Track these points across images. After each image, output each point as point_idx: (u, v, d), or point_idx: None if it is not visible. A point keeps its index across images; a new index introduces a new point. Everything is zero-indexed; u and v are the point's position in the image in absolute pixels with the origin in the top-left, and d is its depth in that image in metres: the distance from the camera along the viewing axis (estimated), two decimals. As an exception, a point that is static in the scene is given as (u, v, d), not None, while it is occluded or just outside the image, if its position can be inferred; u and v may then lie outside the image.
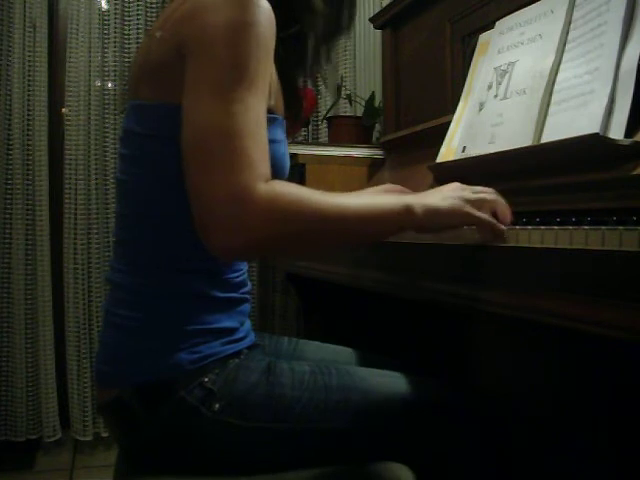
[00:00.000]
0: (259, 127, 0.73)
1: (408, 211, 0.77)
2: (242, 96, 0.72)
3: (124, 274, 0.88)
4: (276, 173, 0.80)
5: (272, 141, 0.79)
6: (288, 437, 0.84)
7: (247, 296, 0.95)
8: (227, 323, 0.88)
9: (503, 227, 0.77)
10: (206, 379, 0.83)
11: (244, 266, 0.96)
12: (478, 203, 0.80)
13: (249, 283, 0.97)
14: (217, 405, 0.82)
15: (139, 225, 0.87)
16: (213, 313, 0.87)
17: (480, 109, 1.16)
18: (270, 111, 0.83)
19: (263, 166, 0.71)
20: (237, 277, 0.92)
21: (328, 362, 0.99)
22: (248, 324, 0.95)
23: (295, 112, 0.97)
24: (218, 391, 0.82)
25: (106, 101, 2.25)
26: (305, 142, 2.03)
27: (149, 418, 0.82)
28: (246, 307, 0.95)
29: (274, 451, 0.85)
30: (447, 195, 0.80)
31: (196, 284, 0.86)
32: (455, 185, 0.84)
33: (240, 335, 0.91)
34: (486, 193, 0.82)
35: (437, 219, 0.79)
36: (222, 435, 0.83)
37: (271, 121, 0.83)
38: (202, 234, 0.71)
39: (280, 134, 0.89)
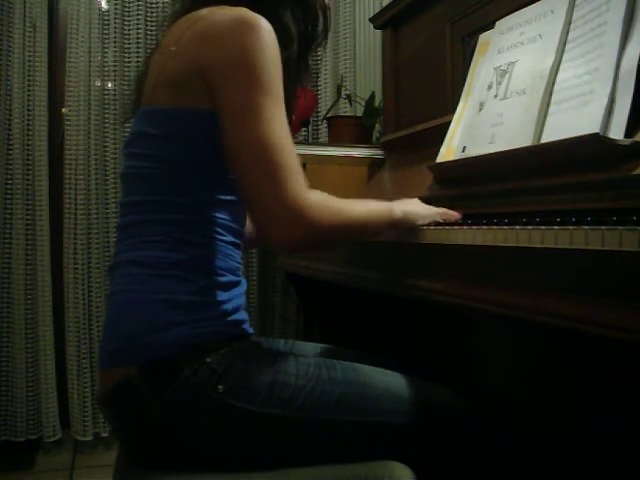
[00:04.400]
0: (291, 138, 0.87)
1: (391, 213, 0.98)
2: (274, 112, 0.85)
3: (134, 252, 0.91)
4: None
5: None
6: (290, 426, 0.85)
7: (243, 281, 0.98)
8: (228, 302, 0.91)
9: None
10: (209, 359, 0.85)
11: (239, 253, 0.99)
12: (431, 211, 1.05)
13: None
14: (221, 386, 0.83)
15: (153, 210, 0.91)
16: (216, 290, 0.90)
17: (480, 109, 1.16)
18: None
19: (302, 175, 0.86)
20: (237, 261, 0.96)
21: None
22: (246, 314, 0.97)
23: (289, 119, 1.06)
24: (223, 372, 0.84)
25: (106, 101, 2.26)
26: (305, 142, 2.04)
27: (155, 400, 0.83)
28: (243, 295, 0.97)
29: (274, 439, 0.86)
30: (414, 202, 1.06)
31: (202, 260, 0.90)
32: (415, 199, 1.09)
33: (240, 318, 0.94)
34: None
35: (409, 220, 1.01)
36: (225, 419, 0.84)
37: None
38: (266, 232, 0.86)
39: None
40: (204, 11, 0.91)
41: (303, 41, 1.03)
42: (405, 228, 1.01)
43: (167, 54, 0.92)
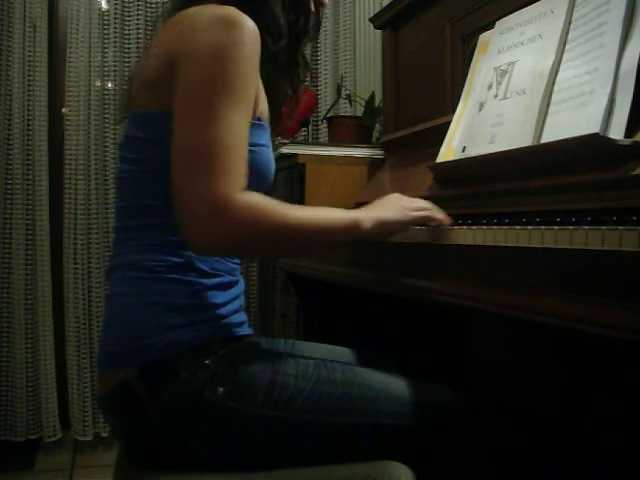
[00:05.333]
0: (240, 141, 0.81)
1: (356, 224, 0.89)
2: (225, 112, 0.80)
3: (129, 255, 0.90)
4: (261, 176, 0.92)
5: (259, 145, 0.90)
6: (289, 427, 0.85)
7: (241, 281, 0.98)
8: (226, 303, 0.91)
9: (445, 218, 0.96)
10: (208, 361, 0.85)
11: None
12: (416, 207, 0.97)
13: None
14: (221, 389, 0.83)
15: (146, 214, 0.91)
16: (213, 292, 0.90)
17: (480, 109, 1.16)
18: (258, 118, 0.91)
19: (240, 176, 0.80)
20: (235, 261, 0.96)
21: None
22: (245, 315, 0.97)
23: (276, 118, 1.05)
24: (222, 374, 0.84)
25: (106, 101, 2.26)
26: (305, 142, 2.03)
27: (153, 402, 0.83)
28: (241, 295, 0.97)
29: (274, 440, 0.86)
30: (389, 206, 0.96)
31: (197, 262, 0.89)
32: (394, 195, 0.99)
33: (238, 319, 0.93)
34: (422, 201, 0.99)
35: (384, 228, 0.93)
36: (224, 421, 0.84)
37: (258, 127, 0.91)
38: (183, 230, 0.80)
39: (266, 139, 0.95)
40: (191, 10, 0.90)
41: (294, 34, 1.00)
42: (381, 237, 0.95)
43: (150, 55, 0.91)
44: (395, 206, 0.96)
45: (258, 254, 0.96)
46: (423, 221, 0.96)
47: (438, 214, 0.97)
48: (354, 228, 0.89)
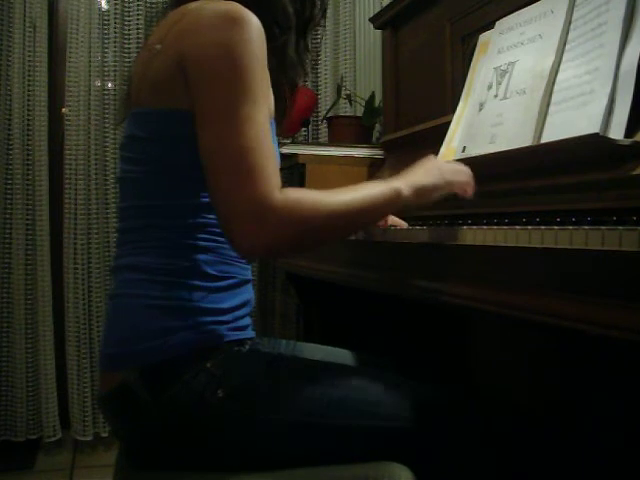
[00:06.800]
0: (267, 140, 0.81)
1: (398, 194, 0.88)
2: (249, 113, 0.79)
3: (133, 257, 0.90)
4: None
5: None
6: (289, 430, 0.85)
7: (250, 286, 0.97)
8: (232, 308, 0.90)
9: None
10: (209, 364, 0.84)
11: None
12: (454, 171, 0.96)
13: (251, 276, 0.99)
14: (220, 392, 0.83)
15: (148, 215, 0.90)
16: (218, 295, 0.89)
17: (480, 109, 1.16)
18: None
19: (275, 175, 0.79)
20: (242, 263, 0.95)
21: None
22: (249, 319, 0.97)
23: (282, 112, 1.04)
24: (222, 378, 0.84)
25: (106, 101, 2.26)
26: (305, 142, 2.03)
27: (154, 403, 0.83)
28: (251, 301, 0.96)
29: (274, 442, 0.85)
30: (427, 170, 0.94)
31: (203, 265, 0.88)
32: (432, 160, 0.98)
33: (243, 323, 0.93)
34: (460, 165, 0.98)
35: (423, 194, 0.91)
36: (224, 423, 0.84)
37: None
38: (230, 239, 0.80)
39: (274, 135, 0.93)
40: (192, 5, 0.88)
41: (300, 21, 0.99)
42: (419, 203, 0.92)
43: (152, 52, 0.89)
44: (433, 170, 0.94)
45: (310, 247, 0.93)
46: (461, 189, 0.95)
47: (470, 187, 0.96)
48: (396, 198, 0.88)
